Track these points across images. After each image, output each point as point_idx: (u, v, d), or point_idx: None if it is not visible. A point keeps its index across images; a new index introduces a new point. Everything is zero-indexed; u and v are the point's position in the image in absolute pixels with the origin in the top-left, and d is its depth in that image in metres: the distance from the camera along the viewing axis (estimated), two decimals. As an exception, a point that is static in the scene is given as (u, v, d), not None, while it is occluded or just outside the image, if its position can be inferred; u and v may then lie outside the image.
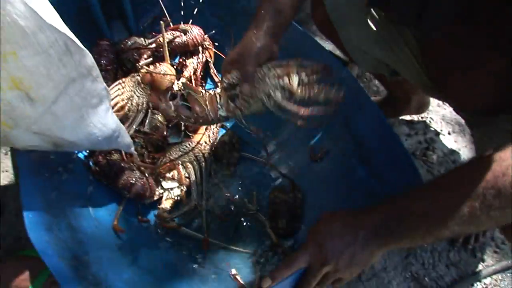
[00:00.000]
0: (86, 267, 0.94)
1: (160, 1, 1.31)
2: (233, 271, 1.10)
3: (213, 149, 1.27)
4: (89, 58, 0.84)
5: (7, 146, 1.19)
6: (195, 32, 1.32)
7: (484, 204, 0.68)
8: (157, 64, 1.27)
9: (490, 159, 0.70)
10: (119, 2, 1.35)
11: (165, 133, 1.26)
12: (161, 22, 1.26)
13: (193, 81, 1.30)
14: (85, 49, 0.82)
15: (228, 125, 1.33)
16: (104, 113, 0.95)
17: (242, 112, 0.94)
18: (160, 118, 1.26)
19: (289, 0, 0.93)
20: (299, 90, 0.86)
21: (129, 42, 1.31)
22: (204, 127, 1.29)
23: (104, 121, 0.95)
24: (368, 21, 1.08)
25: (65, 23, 0.79)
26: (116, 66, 1.29)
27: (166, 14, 1.32)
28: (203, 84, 1.37)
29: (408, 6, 0.88)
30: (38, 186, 0.97)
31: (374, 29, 1.08)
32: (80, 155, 1.16)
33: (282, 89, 0.87)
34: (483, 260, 1.34)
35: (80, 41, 0.80)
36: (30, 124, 0.84)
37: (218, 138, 1.30)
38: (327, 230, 0.80)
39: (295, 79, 0.87)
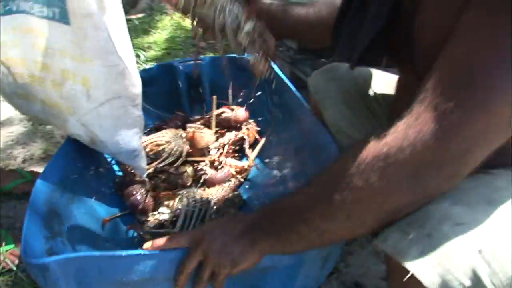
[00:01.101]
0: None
1: (229, 91, 1.67)
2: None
3: (217, 200, 1.41)
4: (137, 89, 1.15)
5: (62, 130, 1.52)
6: (240, 113, 1.61)
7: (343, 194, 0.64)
8: (202, 128, 1.57)
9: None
10: (201, 92, 1.78)
11: (188, 184, 1.48)
12: (214, 97, 1.60)
13: (225, 150, 1.54)
14: (136, 81, 1.13)
15: (241, 191, 1.48)
16: (132, 134, 1.24)
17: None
18: (189, 170, 1.50)
19: None
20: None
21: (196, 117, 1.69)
22: (220, 183, 1.47)
23: (129, 140, 1.24)
24: (342, 101, 1.22)
25: (154, 90, 1.18)
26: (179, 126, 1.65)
27: (230, 99, 1.66)
28: (235, 156, 1.59)
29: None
30: (64, 166, 1.25)
31: (348, 110, 1.21)
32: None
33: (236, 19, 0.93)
34: None
35: (161, 109, 1.20)
36: (81, 115, 1.19)
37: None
38: (214, 223, 0.93)
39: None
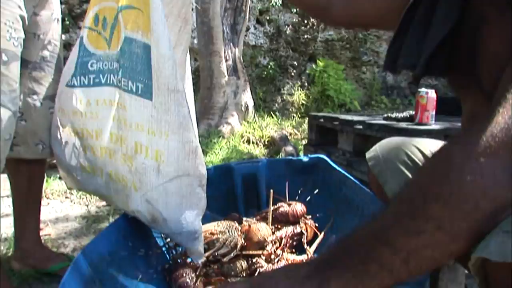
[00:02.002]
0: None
1: (286, 190, 1.66)
2: None
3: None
4: (204, 169, 1.20)
5: (123, 208, 1.43)
6: (298, 207, 1.57)
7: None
8: (258, 221, 1.53)
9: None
10: (257, 196, 1.76)
11: (241, 276, 1.41)
12: (271, 190, 1.58)
13: (282, 243, 1.48)
14: (202, 162, 1.19)
15: None
16: (195, 215, 1.25)
17: None
18: (243, 264, 1.44)
19: None
20: None
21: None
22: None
23: (192, 220, 1.25)
24: (403, 169, 1.18)
25: (210, 193, 1.25)
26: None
27: (287, 196, 1.64)
28: (293, 251, 1.51)
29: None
30: (115, 240, 1.26)
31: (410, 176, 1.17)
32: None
33: None
34: None
35: (217, 212, 1.25)
36: (148, 190, 1.19)
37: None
38: (274, 269, 0.82)
39: None
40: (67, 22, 5.30)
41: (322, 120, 2.81)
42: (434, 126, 2.19)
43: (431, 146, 1.18)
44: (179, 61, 1.19)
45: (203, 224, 1.51)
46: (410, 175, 1.12)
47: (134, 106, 1.15)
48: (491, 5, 0.72)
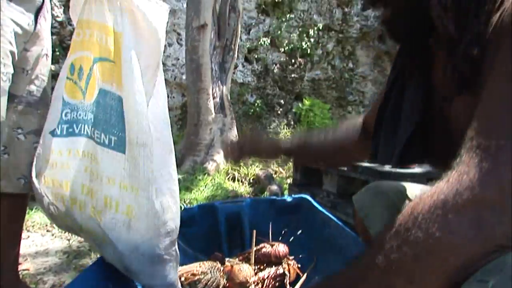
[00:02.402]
0: None
1: (270, 230, 1.67)
2: None
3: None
4: (176, 224, 1.17)
5: (100, 254, 1.43)
6: (281, 248, 1.57)
7: None
8: (241, 262, 1.53)
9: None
10: (241, 235, 1.76)
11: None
12: (254, 231, 1.59)
13: (264, 284, 1.48)
14: (176, 216, 1.16)
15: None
16: (168, 269, 1.21)
17: None
18: (223, 304, 1.43)
19: None
20: None
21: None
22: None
23: (166, 273, 1.22)
24: (389, 214, 1.20)
25: (194, 231, 1.27)
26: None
27: (270, 236, 1.64)
28: (275, 291, 1.51)
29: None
30: (95, 279, 1.23)
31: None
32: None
33: None
34: None
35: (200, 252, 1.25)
36: (118, 245, 1.15)
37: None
38: None
39: None
40: (58, 53, 5.35)
41: (307, 160, 2.84)
42: (417, 169, 2.22)
43: (417, 191, 1.21)
44: (154, 113, 1.18)
45: (185, 264, 1.52)
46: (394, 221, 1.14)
47: (106, 159, 1.15)
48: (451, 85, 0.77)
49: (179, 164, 4.66)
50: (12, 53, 1.35)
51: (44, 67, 1.55)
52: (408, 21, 0.83)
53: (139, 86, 1.11)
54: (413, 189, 1.22)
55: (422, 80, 0.89)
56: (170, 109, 5.75)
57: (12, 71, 1.36)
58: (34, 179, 1.27)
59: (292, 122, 6.84)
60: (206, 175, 4.26)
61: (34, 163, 1.29)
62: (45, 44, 1.54)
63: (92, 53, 1.20)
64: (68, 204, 1.22)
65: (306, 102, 6.63)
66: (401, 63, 0.97)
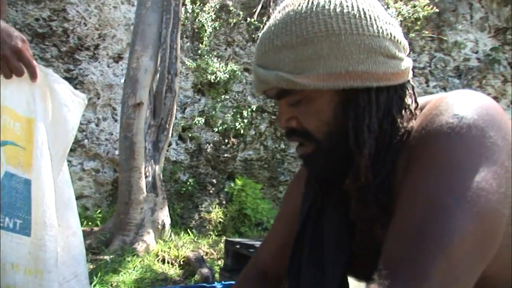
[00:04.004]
0: None
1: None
2: None
3: None
4: None
5: None
6: None
7: None
8: None
9: None
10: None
11: None
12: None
13: None
14: None
15: None
16: None
17: None
18: None
19: None
20: None
21: None
22: None
23: None
24: None
25: None
26: None
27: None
28: None
29: None
30: None
31: None
32: None
33: None
34: None
35: None
36: None
37: None
38: None
39: None
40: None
41: (238, 246, 2.94)
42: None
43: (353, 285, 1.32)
44: (60, 193, 1.23)
45: None
46: None
47: (10, 245, 1.11)
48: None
49: (107, 244, 4.58)
50: None
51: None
52: (328, 162, 0.87)
53: (48, 170, 1.15)
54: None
55: (341, 212, 0.94)
56: (100, 185, 5.74)
57: None
58: None
59: (224, 202, 6.95)
60: (135, 256, 4.22)
61: None
62: None
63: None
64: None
65: (238, 182, 6.80)
66: (314, 198, 0.99)
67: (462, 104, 0.75)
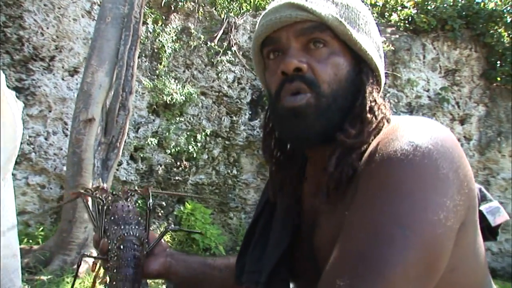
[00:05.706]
0: None
1: None
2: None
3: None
4: None
5: None
6: None
7: None
8: None
9: None
10: None
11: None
12: None
13: None
14: None
15: None
16: None
17: None
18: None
19: None
20: None
21: None
22: None
23: None
24: None
25: None
26: None
27: None
28: None
29: None
30: None
31: None
32: None
33: None
34: None
35: None
36: None
37: None
38: None
39: None
40: None
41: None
42: None
43: None
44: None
45: None
46: None
47: None
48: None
49: (46, 264, 4.43)
50: None
51: None
52: (318, 122, 0.89)
53: None
54: None
55: (292, 195, 1.01)
56: (46, 201, 5.54)
57: None
58: None
59: (172, 225, 6.86)
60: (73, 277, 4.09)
61: None
62: None
63: None
64: None
65: (188, 206, 6.74)
66: (272, 184, 1.05)
67: (419, 132, 0.77)
